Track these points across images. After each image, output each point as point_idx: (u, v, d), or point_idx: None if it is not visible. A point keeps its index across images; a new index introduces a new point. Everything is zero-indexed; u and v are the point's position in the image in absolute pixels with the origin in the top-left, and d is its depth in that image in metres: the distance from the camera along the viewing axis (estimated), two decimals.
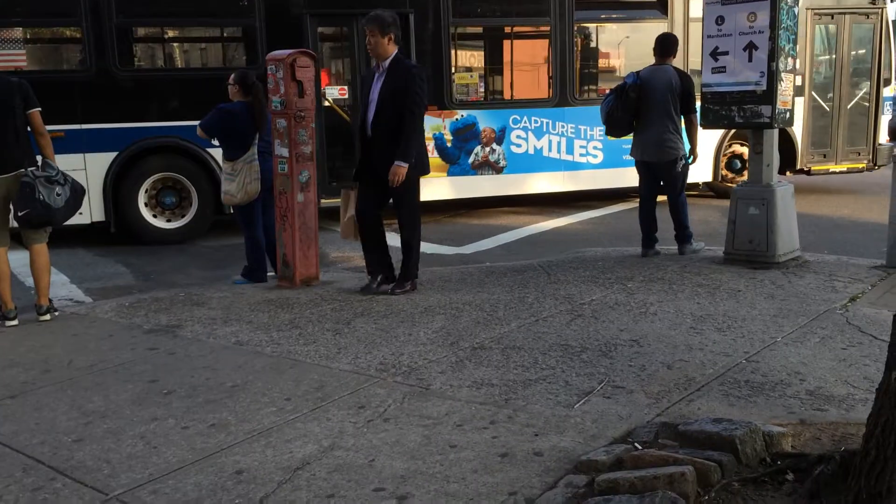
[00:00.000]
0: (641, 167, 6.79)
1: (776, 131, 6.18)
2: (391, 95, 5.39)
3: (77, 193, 5.19)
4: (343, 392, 3.72)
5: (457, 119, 9.72)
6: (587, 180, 10.32)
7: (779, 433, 2.94)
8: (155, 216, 8.80)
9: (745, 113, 6.03)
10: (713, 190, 11.15)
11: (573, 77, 10.19)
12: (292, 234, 5.88)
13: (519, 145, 9.97)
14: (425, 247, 8.14)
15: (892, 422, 2.07)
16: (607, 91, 6.99)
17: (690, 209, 6.90)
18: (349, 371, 4.02)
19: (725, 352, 4.13)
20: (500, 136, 9.91)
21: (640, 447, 2.91)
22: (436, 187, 9.58)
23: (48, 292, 5.29)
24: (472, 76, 10.73)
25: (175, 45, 10.65)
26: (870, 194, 10.88)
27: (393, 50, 5.45)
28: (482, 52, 11.50)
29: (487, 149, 9.87)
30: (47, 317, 5.23)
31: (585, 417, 3.32)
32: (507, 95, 10.84)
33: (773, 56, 5.83)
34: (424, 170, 5.69)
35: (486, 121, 9.87)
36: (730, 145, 10.92)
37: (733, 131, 10.52)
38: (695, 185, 11.00)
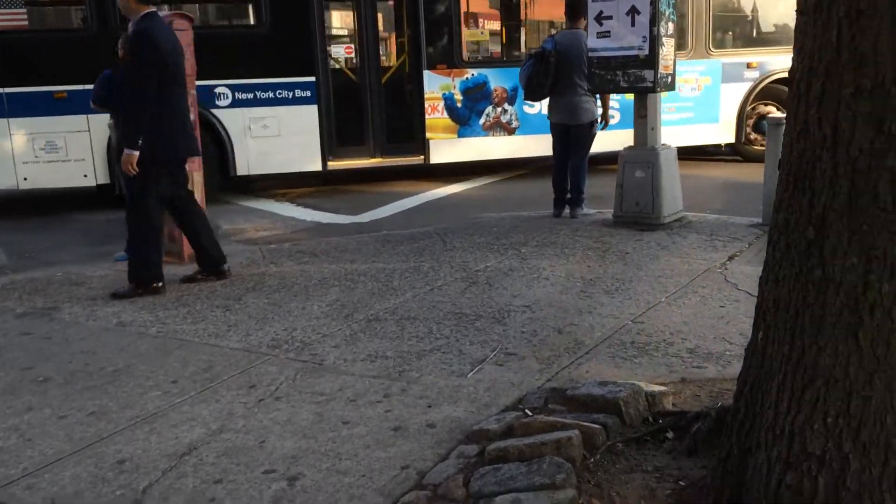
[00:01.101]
0: (557, 130, 6.88)
1: (659, 95, 6.34)
2: (125, 65, 4.70)
3: None
4: (233, 371, 3.62)
5: (467, 78, 9.36)
6: (604, 142, 9.49)
7: (661, 392, 3.05)
8: None
9: (629, 77, 6.17)
10: (738, 153, 10.46)
11: None
12: None
13: (532, 105, 9.34)
14: (320, 216, 8.04)
15: (759, 380, 2.17)
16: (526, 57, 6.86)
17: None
18: (240, 349, 3.92)
19: (613, 314, 4.26)
20: (513, 96, 9.48)
21: (530, 413, 2.96)
22: (446, 149, 9.38)
23: None
24: (482, 33, 10.22)
25: (179, 3, 10.02)
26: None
27: (140, 9, 4.61)
28: (493, 8, 10.95)
29: (499, 109, 9.49)
30: None
31: (479, 386, 3.35)
32: (519, 53, 10.39)
33: (654, 21, 5.96)
34: (165, 154, 4.78)
35: (497, 80, 9.46)
36: (758, 105, 10.21)
37: (759, 90, 10.03)
38: (717, 148, 10.61)
